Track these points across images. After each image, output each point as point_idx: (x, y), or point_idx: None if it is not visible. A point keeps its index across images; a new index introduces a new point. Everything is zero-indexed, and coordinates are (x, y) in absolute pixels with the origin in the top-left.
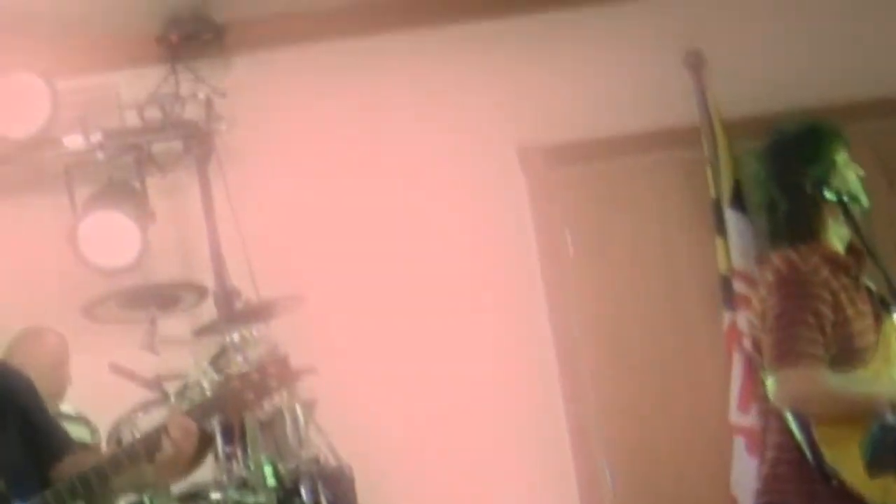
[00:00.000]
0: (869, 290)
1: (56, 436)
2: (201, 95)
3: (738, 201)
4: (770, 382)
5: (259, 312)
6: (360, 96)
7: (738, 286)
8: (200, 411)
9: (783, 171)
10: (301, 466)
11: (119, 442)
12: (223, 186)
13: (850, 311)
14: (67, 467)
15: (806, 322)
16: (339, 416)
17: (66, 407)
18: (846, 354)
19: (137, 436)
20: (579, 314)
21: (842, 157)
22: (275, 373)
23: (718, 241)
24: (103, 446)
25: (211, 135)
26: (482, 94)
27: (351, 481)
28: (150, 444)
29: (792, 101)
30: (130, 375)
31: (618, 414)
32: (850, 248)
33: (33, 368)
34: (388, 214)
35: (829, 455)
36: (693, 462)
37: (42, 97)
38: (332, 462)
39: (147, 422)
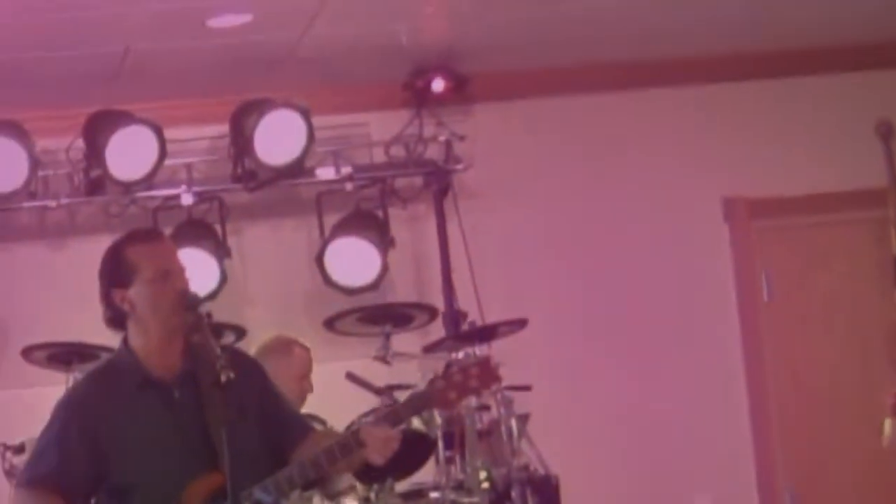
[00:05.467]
0: None
1: (293, 421)
2: (442, 138)
3: None
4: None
5: (483, 333)
6: (583, 146)
7: None
8: (408, 407)
9: None
10: (512, 473)
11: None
12: (457, 219)
13: None
14: (307, 449)
15: None
16: (549, 430)
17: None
18: None
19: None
20: (771, 354)
21: None
22: (476, 373)
23: None
24: None
25: (449, 173)
26: (693, 151)
27: (556, 489)
28: (345, 448)
29: None
30: (364, 384)
31: (804, 452)
32: None
33: (281, 379)
34: (604, 251)
35: None
36: (875, 499)
37: (300, 132)
38: (541, 471)
39: None
